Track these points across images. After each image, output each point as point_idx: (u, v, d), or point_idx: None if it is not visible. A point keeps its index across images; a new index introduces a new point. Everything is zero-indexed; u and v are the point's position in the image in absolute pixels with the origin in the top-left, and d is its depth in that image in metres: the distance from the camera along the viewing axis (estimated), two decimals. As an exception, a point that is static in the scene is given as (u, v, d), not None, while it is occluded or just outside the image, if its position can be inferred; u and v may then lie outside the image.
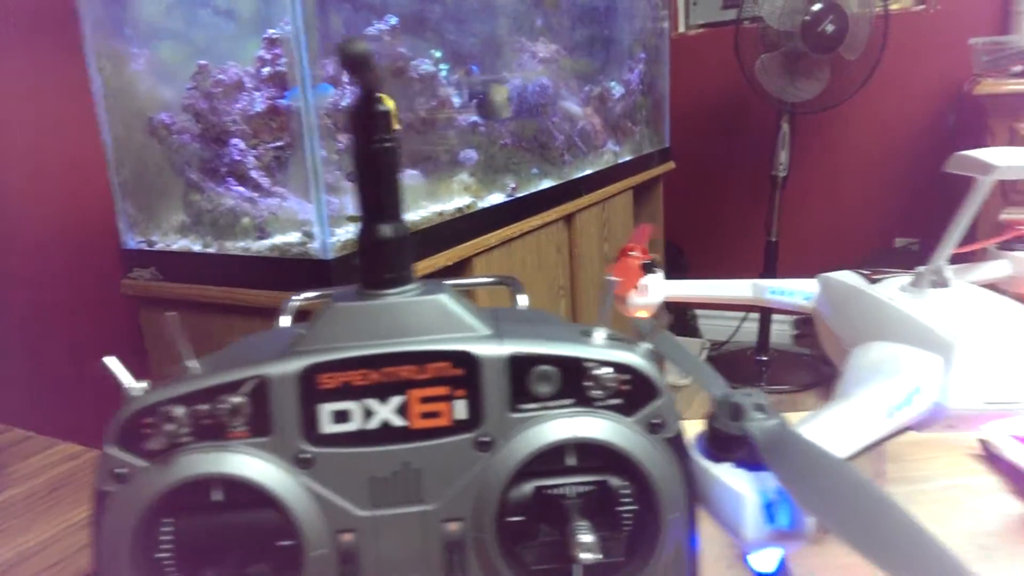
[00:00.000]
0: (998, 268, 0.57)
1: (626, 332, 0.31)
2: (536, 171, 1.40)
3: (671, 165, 2.02)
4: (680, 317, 2.64)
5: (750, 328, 2.40)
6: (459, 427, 0.28)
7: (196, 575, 0.27)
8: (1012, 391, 0.36)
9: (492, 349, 0.28)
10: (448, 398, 0.28)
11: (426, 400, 0.27)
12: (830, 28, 1.94)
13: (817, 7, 1.93)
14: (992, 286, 0.60)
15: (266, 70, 1.00)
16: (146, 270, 1.04)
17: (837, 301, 0.49)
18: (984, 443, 0.59)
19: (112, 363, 0.27)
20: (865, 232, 2.38)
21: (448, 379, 0.27)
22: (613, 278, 0.32)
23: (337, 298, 0.28)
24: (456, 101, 1.18)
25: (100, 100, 0.99)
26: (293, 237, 0.92)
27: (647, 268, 0.58)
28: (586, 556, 0.26)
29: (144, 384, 0.28)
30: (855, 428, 0.34)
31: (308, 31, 0.86)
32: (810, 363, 2.32)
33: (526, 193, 1.34)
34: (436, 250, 1.08)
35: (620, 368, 0.28)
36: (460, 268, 1.16)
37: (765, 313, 2.32)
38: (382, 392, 0.27)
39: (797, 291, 0.54)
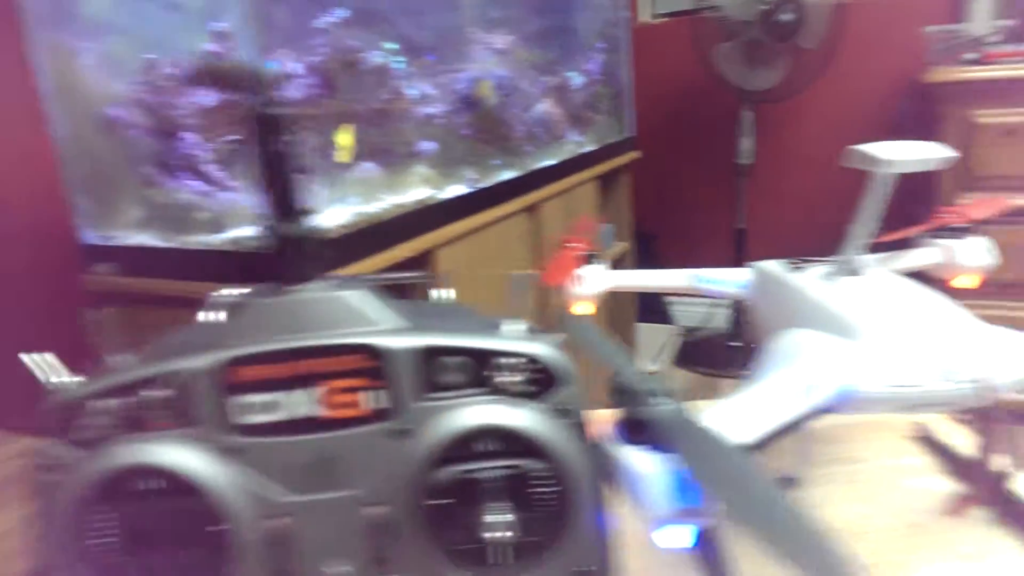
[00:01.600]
0: (927, 255, 0.59)
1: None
2: (498, 162, 1.41)
3: (636, 154, 2.04)
4: (654, 304, 2.67)
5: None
6: (374, 416, 0.29)
7: (131, 562, 0.28)
8: (914, 374, 0.38)
9: (404, 341, 0.29)
10: (362, 389, 0.29)
11: (341, 391, 0.29)
12: (788, 17, 1.97)
13: (775, -3, 1.96)
14: (921, 274, 0.62)
15: (219, 63, 0.99)
16: (106, 265, 1.04)
17: (763, 290, 0.51)
18: (919, 425, 0.61)
19: (31, 358, 0.28)
20: (831, 219, 2.42)
21: (361, 371, 0.29)
22: (526, 273, 0.33)
23: (256, 294, 0.30)
24: (414, 93, 1.18)
25: (48, 95, 0.98)
26: (249, 231, 0.92)
27: (586, 259, 0.59)
28: (493, 535, 0.27)
29: (77, 378, 0.29)
30: (761, 413, 0.36)
31: (254, 23, 0.86)
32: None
33: (488, 184, 1.35)
34: (396, 242, 1.08)
35: (527, 359, 0.30)
36: (423, 260, 1.16)
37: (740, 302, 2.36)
38: (298, 384, 0.29)
39: (730, 280, 0.56)
